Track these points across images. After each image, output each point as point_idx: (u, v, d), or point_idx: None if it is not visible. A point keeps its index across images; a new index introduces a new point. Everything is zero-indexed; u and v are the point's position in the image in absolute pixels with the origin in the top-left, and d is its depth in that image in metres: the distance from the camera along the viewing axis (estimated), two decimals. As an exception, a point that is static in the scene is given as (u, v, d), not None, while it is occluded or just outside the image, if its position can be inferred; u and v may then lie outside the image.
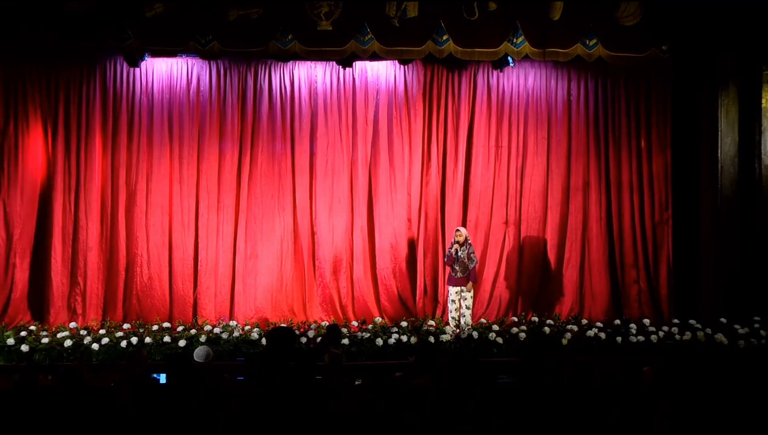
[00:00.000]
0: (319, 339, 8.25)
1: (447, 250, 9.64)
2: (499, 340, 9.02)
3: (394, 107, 10.34)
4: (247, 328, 9.18)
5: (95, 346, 8.54)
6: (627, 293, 10.45)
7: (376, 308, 10.16)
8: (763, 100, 9.81)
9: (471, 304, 9.46)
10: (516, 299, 10.42)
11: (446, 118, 10.45)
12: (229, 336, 8.87)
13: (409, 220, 10.35)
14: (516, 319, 9.82)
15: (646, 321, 9.66)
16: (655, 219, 10.57)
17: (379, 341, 8.81)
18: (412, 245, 10.37)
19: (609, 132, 10.63)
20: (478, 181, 10.46)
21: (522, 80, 10.58)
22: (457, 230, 9.52)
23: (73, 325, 9.18)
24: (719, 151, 9.97)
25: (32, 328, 8.99)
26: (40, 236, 9.77)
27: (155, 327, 9.12)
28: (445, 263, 9.83)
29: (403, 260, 10.33)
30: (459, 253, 9.32)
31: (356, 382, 6.75)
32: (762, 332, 9.20)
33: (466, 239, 9.44)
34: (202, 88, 10.12)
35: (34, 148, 9.79)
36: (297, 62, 10.09)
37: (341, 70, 10.22)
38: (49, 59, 9.65)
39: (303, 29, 8.94)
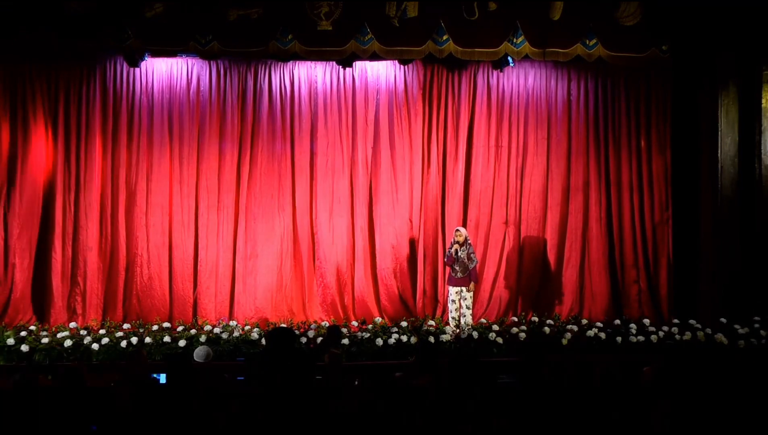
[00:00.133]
0: (319, 339, 8.25)
1: (447, 250, 9.64)
2: (499, 340, 9.01)
3: (394, 107, 10.34)
4: (247, 328, 9.17)
5: (95, 346, 8.54)
6: (627, 293, 10.45)
7: (376, 308, 10.16)
8: (763, 100, 9.81)
9: (471, 304, 9.45)
10: (516, 299, 10.42)
11: (446, 118, 10.45)
12: (229, 336, 8.87)
13: (410, 220, 10.35)
14: (516, 319, 9.82)
15: (646, 321, 9.66)
16: (655, 219, 10.57)
17: (379, 341, 8.81)
18: (412, 245, 10.37)
19: (609, 132, 10.63)
20: (478, 181, 10.46)
21: (522, 80, 10.58)
22: (457, 230, 9.52)
23: (73, 325, 9.17)
24: (719, 151, 9.97)
25: (32, 328, 8.99)
26: (40, 236, 9.76)
27: (155, 327, 9.11)
28: (445, 263, 9.82)
29: (403, 260, 10.33)
30: (459, 253, 9.32)
31: (356, 382, 6.74)
32: (762, 332, 9.20)
33: (466, 239, 9.44)
34: (202, 88, 10.11)
35: (34, 148, 9.78)
36: (297, 62, 10.09)
37: (341, 70, 10.22)
38: (50, 59, 9.65)
39: (303, 29, 8.94)
